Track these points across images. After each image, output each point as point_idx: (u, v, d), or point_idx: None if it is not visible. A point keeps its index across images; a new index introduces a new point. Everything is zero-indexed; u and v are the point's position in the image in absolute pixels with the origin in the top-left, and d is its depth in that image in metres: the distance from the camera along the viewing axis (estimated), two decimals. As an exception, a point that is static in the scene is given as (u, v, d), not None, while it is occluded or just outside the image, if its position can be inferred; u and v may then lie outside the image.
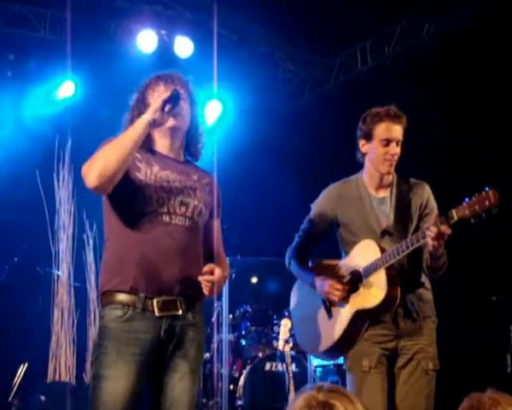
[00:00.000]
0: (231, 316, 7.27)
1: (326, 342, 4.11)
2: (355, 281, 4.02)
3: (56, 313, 6.26)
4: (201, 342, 3.36)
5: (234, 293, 7.28)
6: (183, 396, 3.23)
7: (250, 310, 7.31)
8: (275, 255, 5.50)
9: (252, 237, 8.23)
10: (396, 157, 4.03)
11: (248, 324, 7.26)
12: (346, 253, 4.15)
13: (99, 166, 3.10)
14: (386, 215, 4.07)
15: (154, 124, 3.26)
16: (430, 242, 3.70)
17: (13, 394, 6.43)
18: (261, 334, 7.18)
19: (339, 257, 4.25)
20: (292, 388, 5.13)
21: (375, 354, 3.95)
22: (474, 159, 7.26)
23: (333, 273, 4.13)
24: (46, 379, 6.82)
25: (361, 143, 4.12)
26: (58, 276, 6.60)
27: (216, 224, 3.58)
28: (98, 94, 8.04)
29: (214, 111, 8.98)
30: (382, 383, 3.96)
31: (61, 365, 6.59)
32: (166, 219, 3.24)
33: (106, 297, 3.22)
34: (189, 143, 3.53)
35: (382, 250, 3.93)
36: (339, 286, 4.00)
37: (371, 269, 3.93)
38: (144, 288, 3.16)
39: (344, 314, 4.02)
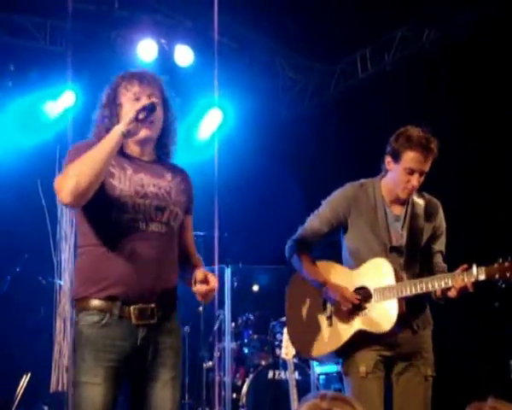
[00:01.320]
0: (233, 324, 7.25)
1: (322, 348, 4.10)
2: (362, 297, 3.98)
3: (59, 323, 6.25)
4: (179, 349, 3.32)
5: (236, 301, 7.27)
6: (165, 404, 3.21)
7: (252, 318, 7.31)
8: (277, 263, 5.50)
9: (253, 244, 8.22)
10: (416, 187, 3.99)
11: (251, 332, 7.26)
12: (352, 260, 4.11)
13: (72, 183, 3.01)
14: (398, 233, 4.05)
15: (128, 135, 3.19)
16: (453, 293, 3.75)
17: (16, 404, 6.42)
18: (264, 342, 7.18)
19: (338, 259, 4.23)
20: (295, 396, 5.12)
21: (372, 360, 3.95)
22: (476, 164, 7.25)
23: (338, 281, 4.08)
24: (49, 389, 6.81)
25: (387, 159, 4.04)
26: (60, 286, 6.59)
27: (189, 220, 3.53)
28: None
29: (215, 119, 8.99)
30: (379, 388, 3.96)
31: (64, 375, 6.58)
32: (143, 226, 3.18)
33: (81, 303, 3.17)
34: (163, 145, 3.46)
35: (397, 276, 3.90)
36: (351, 298, 3.95)
37: (384, 295, 3.90)
38: (121, 296, 3.12)
39: (346, 328, 4.01)
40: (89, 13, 7.89)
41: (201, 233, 7.25)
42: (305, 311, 4.22)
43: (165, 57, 8.44)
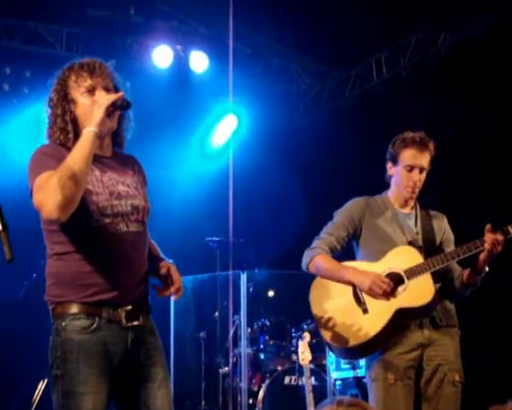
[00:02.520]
0: (249, 330, 7.23)
1: (361, 336, 4.01)
2: (395, 281, 4.00)
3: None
4: (162, 348, 3.25)
5: (252, 306, 7.26)
6: (165, 403, 3.16)
7: (268, 323, 7.29)
8: (292, 268, 5.49)
9: (269, 250, 8.22)
10: (419, 184, 4.15)
11: (267, 337, 7.23)
12: (370, 258, 4.13)
13: (57, 196, 2.83)
14: (411, 229, 4.18)
15: (101, 136, 3.02)
16: (488, 249, 3.85)
17: (33, 410, 6.44)
18: (280, 347, 7.15)
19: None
20: (311, 401, 5.10)
21: (400, 367, 3.96)
22: (492, 170, 7.22)
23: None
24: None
25: (388, 165, 4.23)
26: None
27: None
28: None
29: (230, 125, 9.00)
30: (407, 395, 3.96)
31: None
32: (124, 227, 3.08)
33: (65, 308, 3.02)
34: (116, 134, 3.26)
35: (424, 256, 4.01)
36: (385, 279, 3.96)
37: (416, 271, 3.97)
38: (109, 299, 3.03)
39: (384, 311, 3.97)
40: (104, 19, 7.94)
41: (217, 239, 7.26)
42: (335, 307, 4.15)
43: (181, 63, 8.48)
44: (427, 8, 7.33)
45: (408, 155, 4.11)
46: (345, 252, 4.28)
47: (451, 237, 4.25)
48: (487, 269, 3.99)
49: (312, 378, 6.23)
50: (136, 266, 3.12)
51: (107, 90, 3.14)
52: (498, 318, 7.15)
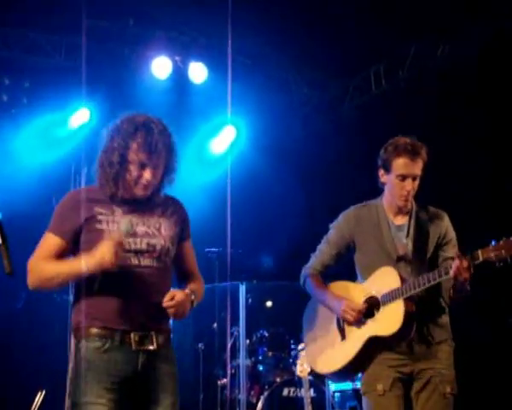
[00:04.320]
0: (248, 341, 7.23)
1: (337, 362, 4.12)
2: (371, 306, 4.03)
3: (73, 340, 6.26)
4: (177, 375, 3.44)
5: (250, 318, 7.25)
6: None
7: (267, 335, 7.28)
8: (291, 279, 5.48)
9: (268, 261, 8.21)
10: (412, 192, 4.07)
11: (265, 349, 7.22)
12: (363, 276, 4.16)
13: (36, 283, 3.35)
14: (402, 242, 4.10)
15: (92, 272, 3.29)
16: (452, 277, 3.73)
17: (30, 421, 6.41)
18: (278, 359, 7.14)
19: (353, 279, 4.26)
20: (310, 413, 5.10)
21: (389, 378, 3.95)
22: (489, 183, 7.22)
23: (349, 296, 4.14)
24: (63, 407, 6.80)
25: (380, 172, 4.16)
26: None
27: (186, 245, 3.61)
28: (113, 120, 8.07)
29: (228, 136, 9.00)
30: (397, 406, 3.95)
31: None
32: (135, 261, 3.33)
33: (82, 331, 3.32)
34: (157, 189, 3.52)
35: (402, 279, 3.94)
36: (355, 307, 4.02)
37: (389, 297, 3.94)
38: (121, 326, 3.29)
39: (357, 338, 4.03)
40: (103, 30, 7.94)
41: (215, 250, 7.26)
42: (320, 331, 4.29)
43: (180, 74, 8.48)
44: (426, 20, 7.34)
45: (400, 165, 4.01)
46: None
47: (451, 236, 4.12)
48: (468, 288, 3.85)
49: (311, 390, 6.22)
50: (149, 297, 3.33)
51: (156, 168, 3.39)
52: (496, 328, 7.15)
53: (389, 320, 3.91)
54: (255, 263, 7.89)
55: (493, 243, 3.62)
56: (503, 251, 3.57)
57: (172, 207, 3.56)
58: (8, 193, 7.59)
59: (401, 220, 4.14)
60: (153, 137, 3.36)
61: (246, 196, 8.11)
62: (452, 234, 4.14)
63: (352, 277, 4.27)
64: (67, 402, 3.33)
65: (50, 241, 3.39)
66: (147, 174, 3.35)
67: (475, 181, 7.34)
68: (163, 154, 3.40)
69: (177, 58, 8.43)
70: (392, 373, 3.95)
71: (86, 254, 3.27)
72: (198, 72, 8.50)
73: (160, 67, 8.31)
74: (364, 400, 4.05)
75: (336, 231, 4.26)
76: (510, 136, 7.13)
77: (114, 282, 3.27)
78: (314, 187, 8.84)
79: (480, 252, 3.66)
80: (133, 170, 3.36)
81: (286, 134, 9.47)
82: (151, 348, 3.30)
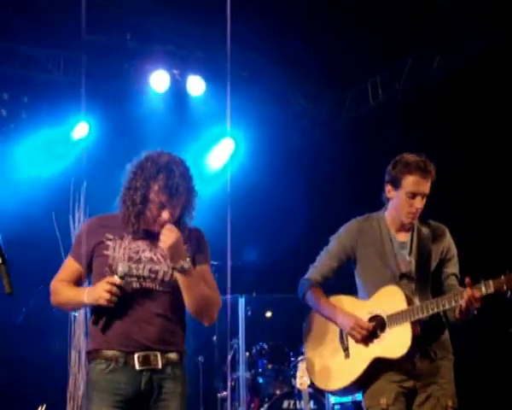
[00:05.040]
0: (248, 354, 7.23)
1: (341, 381, 4.11)
2: (376, 325, 4.01)
3: (73, 355, 6.24)
4: (183, 394, 3.49)
5: (250, 330, 7.25)
6: None
7: (266, 347, 7.28)
8: (291, 292, 5.49)
9: (267, 273, 8.22)
10: (420, 210, 4.06)
11: (265, 361, 7.22)
12: (365, 291, 4.14)
13: (55, 303, 3.62)
14: (405, 259, 4.09)
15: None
16: (464, 306, 3.75)
17: (31, 435, 6.41)
18: (278, 371, 7.14)
19: (351, 292, 4.25)
20: (310, 426, 5.10)
21: (392, 392, 3.95)
22: (488, 195, 7.23)
23: (352, 312, 4.11)
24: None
25: (387, 187, 4.12)
26: (75, 317, 6.59)
27: (200, 270, 3.61)
28: (112, 134, 8.10)
29: (227, 148, 9.03)
30: None
31: (79, 406, 6.57)
32: (137, 285, 3.44)
33: (92, 354, 3.48)
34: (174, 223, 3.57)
35: (408, 300, 3.94)
36: (364, 325, 4.00)
37: (397, 320, 3.93)
38: (124, 347, 3.41)
39: (363, 357, 4.02)
40: (101, 44, 7.97)
41: (215, 263, 7.25)
42: (322, 345, 4.25)
43: (178, 87, 8.52)
44: (423, 32, 7.38)
45: (412, 182, 3.98)
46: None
47: (453, 252, 4.13)
48: (475, 312, 3.86)
49: (311, 403, 6.22)
50: (152, 320, 3.44)
51: (175, 208, 3.49)
52: (497, 338, 7.15)
53: (396, 343, 3.91)
54: (254, 276, 7.89)
55: (506, 273, 3.64)
56: None
57: (186, 234, 3.58)
58: (8, 208, 7.61)
59: (404, 237, 4.13)
60: (174, 180, 3.44)
61: (245, 208, 8.13)
62: (454, 250, 4.15)
63: (350, 290, 4.27)
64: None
65: (68, 264, 3.61)
66: (165, 214, 3.44)
67: (473, 191, 7.36)
68: (183, 197, 3.49)
69: (175, 72, 8.46)
70: (395, 388, 3.95)
71: (90, 288, 3.49)
72: (196, 85, 8.53)
73: (159, 80, 8.34)
74: None
75: (337, 243, 4.22)
76: (507, 145, 7.16)
77: (118, 306, 3.38)
78: (313, 198, 8.85)
79: (491, 282, 3.68)
80: (153, 209, 3.46)
81: (284, 146, 9.50)
82: (155, 367, 3.40)
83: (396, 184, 4.05)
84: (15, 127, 8.18)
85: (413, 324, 3.90)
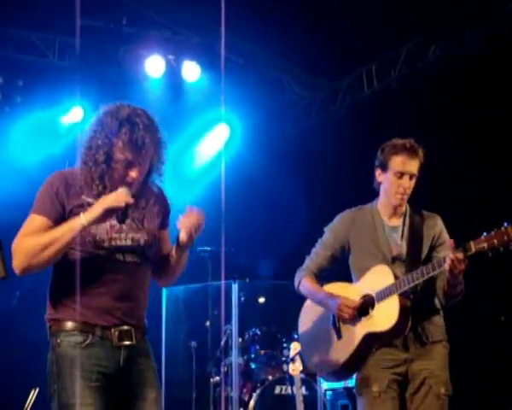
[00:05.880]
0: (240, 339, 7.26)
1: (334, 362, 4.14)
2: (367, 304, 4.05)
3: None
4: (155, 369, 3.38)
5: (243, 316, 7.28)
6: None
7: (259, 333, 7.30)
8: (284, 278, 5.52)
9: (261, 260, 8.24)
10: (408, 191, 4.10)
11: (258, 347, 7.25)
12: (358, 278, 4.17)
13: (24, 262, 3.09)
14: (397, 243, 4.13)
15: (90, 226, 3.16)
16: (447, 269, 3.74)
17: (24, 419, 6.43)
18: (270, 357, 7.17)
19: (349, 281, 4.28)
20: (302, 411, 5.12)
21: (385, 379, 3.97)
22: (482, 183, 7.24)
23: (345, 295, 4.14)
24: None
25: (377, 172, 4.18)
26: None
27: (165, 233, 3.51)
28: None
29: (222, 134, 9.03)
30: (393, 407, 3.97)
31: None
32: (120, 257, 3.24)
33: (60, 324, 3.20)
34: (143, 183, 3.39)
35: (396, 276, 3.97)
36: (350, 304, 4.04)
37: (384, 294, 3.96)
38: (102, 321, 3.20)
39: (354, 336, 4.05)
40: (97, 29, 7.95)
41: (208, 248, 7.29)
42: (316, 332, 4.30)
43: (173, 73, 8.51)
44: (418, 21, 7.38)
45: (398, 162, 4.04)
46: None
47: (444, 238, 4.14)
48: (463, 284, 3.89)
49: (303, 388, 6.24)
50: (131, 293, 3.25)
51: (142, 165, 3.25)
52: (489, 326, 7.19)
53: (385, 316, 3.94)
54: (248, 262, 7.90)
55: (485, 234, 3.65)
56: (495, 241, 3.60)
57: (155, 197, 3.44)
58: (1, 191, 7.61)
59: (395, 222, 4.17)
60: (138, 133, 3.19)
61: (239, 194, 8.14)
62: (446, 236, 4.16)
63: (348, 280, 4.30)
64: (52, 408, 3.16)
65: (35, 221, 3.17)
66: (133, 173, 3.22)
67: (467, 179, 7.38)
68: (150, 150, 3.25)
69: (170, 57, 8.46)
70: (387, 375, 3.97)
71: (90, 208, 3.13)
72: (191, 71, 8.53)
73: (154, 65, 8.34)
74: (359, 400, 4.07)
75: (331, 232, 4.27)
76: (501, 133, 7.17)
77: (97, 277, 3.19)
78: (307, 185, 8.87)
79: (472, 243, 3.68)
80: (119, 168, 3.21)
81: (278, 133, 9.51)
82: (130, 343, 3.23)
83: (384, 167, 4.11)
84: (10, 111, 8.16)
85: (401, 296, 3.92)
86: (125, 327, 3.23)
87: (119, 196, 3.14)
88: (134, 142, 3.17)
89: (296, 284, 4.34)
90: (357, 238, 4.18)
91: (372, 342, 3.99)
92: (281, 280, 6.71)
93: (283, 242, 8.27)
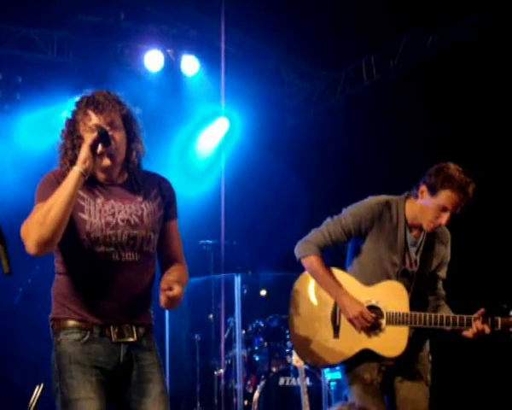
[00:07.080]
0: (244, 332, 7.27)
1: (327, 359, 4.17)
2: (376, 320, 4.05)
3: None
4: (160, 365, 3.36)
5: (246, 308, 7.29)
6: None
7: (262, 325, 7.31)
8: (286, 270, 5.52)
9: (263, 252, 8.24)
10: (443, 225, 4.05)
11: (261, 339, 7.26)
12: (359, 270, 4.15)
13: (35, 234, 3.00)
14: (412, 258, 4.13)
15: (87, 173, 3.10)
16: (470, 335, 3.89)
17: (29, 415, 6.44)
18: (274, 349, 7.18)
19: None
20: (306, 402, 5.15)
21: (375, 368, 4.04)
22: (483, 173, 7.23)
23: (353, 295, 4.10)
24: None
25: (422, 188, 4.04)
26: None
27: (171, 226, 3.45)
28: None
29: (221, 127, 9.04)
30: (381, 395, 4.08)
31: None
32: (116, 257, 3.20)
33: (60, 323, 3.23)
34: (129, 161, 3.32)
35: (410, 303, 4.00)
36: (369, 319, 4.01)
37: (397, 320, 3.99)
38: (99, 320, 3.21)
39: (352, 343, 4.07)
40: (95, 25, 7.96)
41: (210, 242, 7.30)
42: (311, 316, 4.22)
43: (172, 67, 8.50)
44: (417, 11, 7.36)
45: (450, 199, 3.93)
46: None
47: (448, 258, 4.21)
48: None
49: (307, 379, 6.25)
50: (128, 291, 3.23)
51: (112, 125, 3.19)
52: (490, 314, 7.18)
53: (391, 344, 3.99)
54: (251, 254, 7.90)
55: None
56: None
57: (156, 187, 3.39)
58: (4, 187, 7.61)
59: (417, 235, 4.14)
60: (99, 98, 3.19)
61: (240, 187, 8.15)
62: (448, 257, 4.24)
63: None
64: (56, 406, 3.20)
65: (39, 207, 3.11)
66: (94, 119, 3.16)
67: (469, 166, 7.35)
68: (115, 111, 3.20)
69: (169, 51, 8.45)
70: (376, 364, 4.04)
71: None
72: (190, 64, 8.53)
73: (153, 60, 8.33)
74: (351, 389, 4.11)
75: (353, 216, 4.11)
76: (502, 123, 7.17)
77: (94, 275, 3.19)
78: (307, 177, 8.87)
79: (499, 320, 3.87)
80: (87, 138, 3.14)
81: (278, 125, 9.50)
82: (131, 340, 3.24)
83: (432, 191, 3.98)
84: (10, 108, 8.15)
85: (410, 329, 3.99)
86: (125, 324, 3.24)
87: (92, 133, 3.10)
88: (92, 104, 3.18)
89: (301, 255, 4.19)
90: (376, 235, 4.10)
91: (367, 355, 4.04)
92: (284, 272, 6.70)
93: (285, 233, 8.26)
